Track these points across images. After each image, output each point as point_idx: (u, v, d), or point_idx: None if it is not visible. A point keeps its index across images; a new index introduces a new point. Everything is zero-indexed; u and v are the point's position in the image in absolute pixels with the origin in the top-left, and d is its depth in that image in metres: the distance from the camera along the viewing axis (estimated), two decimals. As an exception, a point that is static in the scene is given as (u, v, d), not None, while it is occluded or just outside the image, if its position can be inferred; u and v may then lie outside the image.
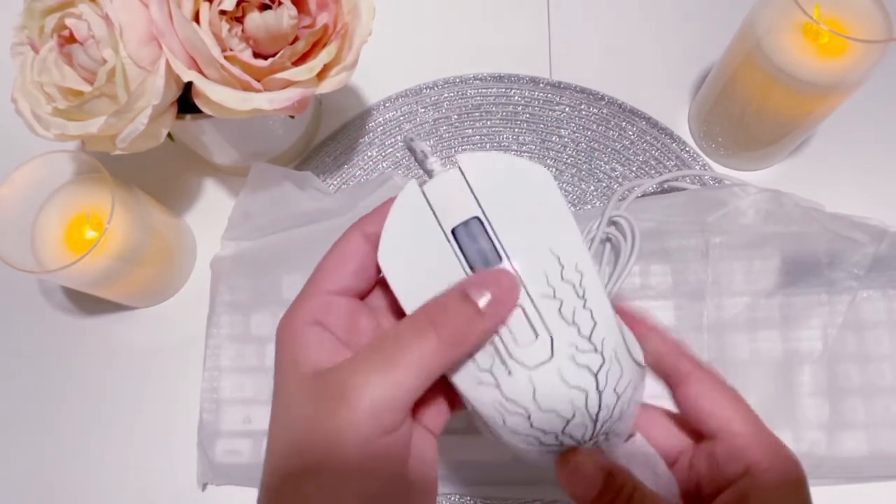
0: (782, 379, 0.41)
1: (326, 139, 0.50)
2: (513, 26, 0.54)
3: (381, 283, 0.28)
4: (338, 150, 0.50)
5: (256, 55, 0.37)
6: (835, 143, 0.49)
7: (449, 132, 0.51)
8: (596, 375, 0.24)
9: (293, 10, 0.37)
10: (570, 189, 0.49)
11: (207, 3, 0.36)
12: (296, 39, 0.38)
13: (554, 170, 0.49)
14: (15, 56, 0.39)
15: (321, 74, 0.39)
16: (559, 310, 0.24)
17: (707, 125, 0.48)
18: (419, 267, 0.25)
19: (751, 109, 0.43)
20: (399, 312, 0.26)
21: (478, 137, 0.51)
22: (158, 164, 0.49)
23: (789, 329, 0.42)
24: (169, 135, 0.40)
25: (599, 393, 0.24)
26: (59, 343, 0.46)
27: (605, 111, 0.50)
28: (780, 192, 0.44)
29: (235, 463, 0.42)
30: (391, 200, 0.26)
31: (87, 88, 0.37)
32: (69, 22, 0.36)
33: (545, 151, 0.50)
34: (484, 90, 0.51)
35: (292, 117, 0.45)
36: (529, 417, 0.24)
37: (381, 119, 0.51)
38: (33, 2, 0.37)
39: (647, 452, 0.27)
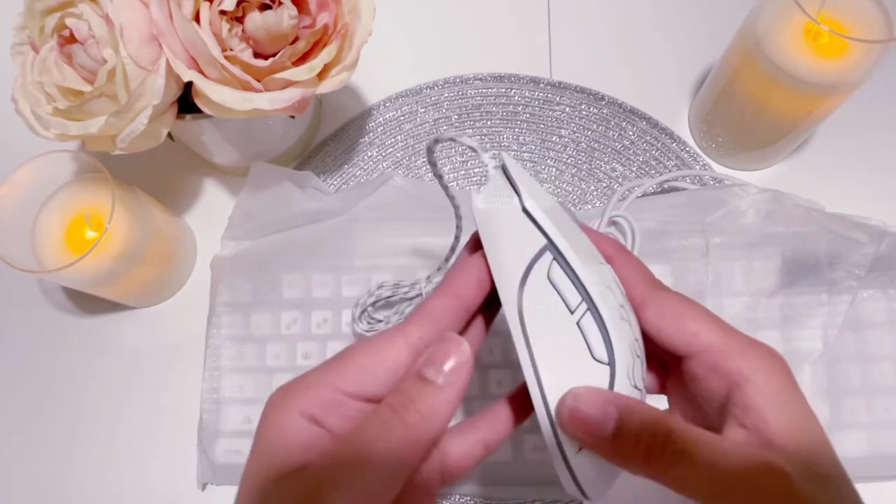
0: (782, 379, 0.41)
1: (326, 139, 0.50)
2: (513, 26, 0.54)
3: None
4: (338, 150, 0.50)
5: (257, 55, 0.37)
6: (835, 143, 0.49)
7: (449, 132, 0.51)
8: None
9: (293, 10, 0.37)
10: (570, 189, 0.49)
11: (208, 3, 0.36)
12: (296, 39, 0.38)
13: (554, 170, 0.49)
14: (15, 56, 0.39)
15: (321, 74, 0.39)
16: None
17: (707, 125, 0.48)
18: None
19: (751, 109, 0.43)
20: None
21: (478, 137, 0.51)
22: (158, 164, 0.49)
23: (789, 329, 0.42)
24: (169, 135, 0.40)
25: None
26: (58, 343, 0.46)
27: (605, 111, 0.50)
28: (780, 192, 0.44)
29: (235, 463, 0.42)
30: (426, 304, 0.26)
31: (87, 88, 0.37)
32: (69, 22, 0.36)
33: (545, 151, 0.50)
34: (484, 90, 0.51)
35: (292, 117, 0.45)
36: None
37: (381, 119, 0.51)
38: (34, 2, 0.37)
39: None
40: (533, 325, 0.24)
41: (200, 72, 0.37)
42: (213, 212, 0.48)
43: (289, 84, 0.38)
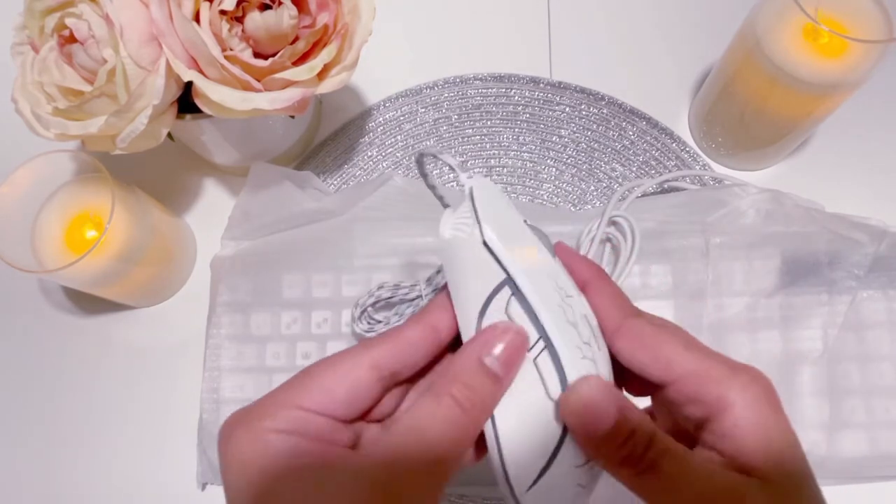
0: (782, 379, 0.41)
1: (326, 139, 0.50)
2: (513, 26, 0.54)
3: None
4: (338, 150, 0.50)
5: (257, 55, 0.37)
6: (835, 143, 0.49)
7: (449, 132, 0.51)
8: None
9: (293, 10, 0.37)
10: (571, 189, 0.49)
11: (208, 3, 0.36)
12: (296, 39, 0.38)
13: (554, 170, 0.49)
14: (15, 56, 0.39)
15: (321, 74, 0.39)
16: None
17: (707, 125, 0.48)
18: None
19: (751, 109, 0.43)
20: None
21: (478, 137, 0.51)
22: (158, 164, 0.49)
23: (789, 329, 0.42)
24: (169, 135, 0.40)
25: None
26: (58, 343, 0.46)
27: (605, 111, 0.50)
28: (780, 192, 0.44)
29: (235, 463, 0.42)
30: (402, 330, 0.26)
31: (87, 88, 0.37)
32: (69, 22, 0.36)
33: (545, 151, 0.50)
34: (484, 90, 0.51)
35: (292, 117, 0.45)
36: None
37: (381, 119, 0.51)
38: (33, 2, 0.37)
39: None
40: None
41: (200, 72, 0.37)
42: (213, 212, 0.48)
43: (289, 84, 0.38)
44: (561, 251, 0.27)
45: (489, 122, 0.51)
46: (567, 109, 0.51)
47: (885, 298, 0.43)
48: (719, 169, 0.49)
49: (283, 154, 0.49)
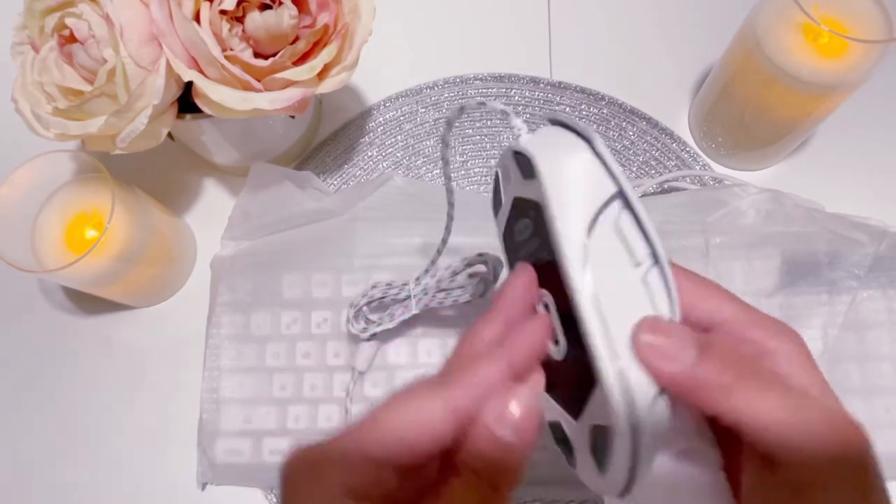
0: (782, 379, 0.41)
1: (326, 139, 0.50)
2: (513, 26, 0.54)
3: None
4: (338, 150, 0.50)
5: (257, 55, 0.37)
6: (835, 143, 0.49)
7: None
8: None
9: (293, 10, 0.37)
10: (571, 189, 0.49)
11: (208, 3, 0.36)
12: (296, 39, 0.38)
13: (554, 170, 0.49)
14: (15, 56, 0.39)
15: (321, 74, 0.39)
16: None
17: (707, 125, 0.48)
18: None
19: (751, 109, 0.43)
20: None
21: (478, 137, 0.51)
22: (158, 164, 0.49)
23: (789, 329, 0.42)
24: (169, 135, 0.40)
25: None
26: (58, 342, 0.46)
27: (605, 111, 0.50)
28: (780, 192, 0.44)
29: (235, 463, 0.42)
30: (478, 367, 0.23)
31: (87, 88, 0.37)
32: (69, 22, 0.36)
33: (545, 151, 0.50)
34: (484, 90, 0.51)
35: (292, 117, 0.45)
36: None
37: (381, 119, 0.51)
38: (34, 2, 0.37)
39: None
40: (598, 278, 0.22)
41: (200, 72, 0.37)
42: (213, 212, 0.48)
43: (289, 84, 0.38)
44: None
45: (489, 123, 0.51)
46: (567, 109, 0.51)
47: (885, 298, 0.43)
48: (719, 169, 0.49)
49: (283, 154, 0.49)
